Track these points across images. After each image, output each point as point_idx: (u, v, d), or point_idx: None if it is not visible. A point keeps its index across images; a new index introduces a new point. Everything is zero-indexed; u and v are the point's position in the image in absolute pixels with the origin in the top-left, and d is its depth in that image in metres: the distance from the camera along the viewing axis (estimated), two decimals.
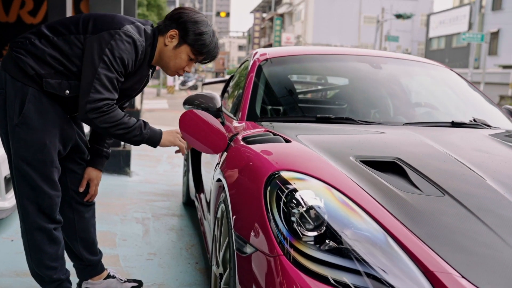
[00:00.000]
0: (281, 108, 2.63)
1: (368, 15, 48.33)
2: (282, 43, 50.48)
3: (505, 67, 23.08)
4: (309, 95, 3.39)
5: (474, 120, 2.51)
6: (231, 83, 3.64)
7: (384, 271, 1.24)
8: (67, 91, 1.95)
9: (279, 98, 2.71)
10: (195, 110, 2.02)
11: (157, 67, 2.24)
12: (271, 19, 60.22)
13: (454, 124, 2.40)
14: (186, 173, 4.29)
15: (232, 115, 2.74)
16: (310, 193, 1.42)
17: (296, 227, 1.36)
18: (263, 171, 1.54)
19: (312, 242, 1.33)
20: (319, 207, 1.38)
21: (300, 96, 3.17)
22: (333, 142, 1.92)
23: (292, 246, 1.33)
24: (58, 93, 1.95)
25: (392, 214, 1.39)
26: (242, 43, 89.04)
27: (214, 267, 1.97)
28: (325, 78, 3.48)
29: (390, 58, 3.00)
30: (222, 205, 1.86)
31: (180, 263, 2.99)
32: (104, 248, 2.68)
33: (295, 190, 1.43)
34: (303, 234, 1.35)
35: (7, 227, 3.43)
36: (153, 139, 2.04)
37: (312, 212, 1.37)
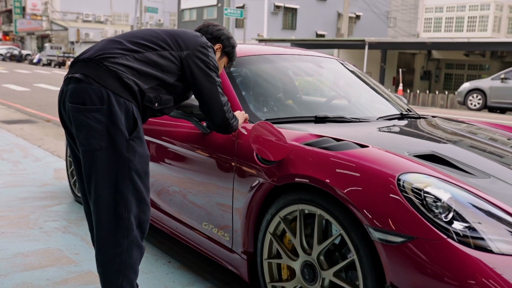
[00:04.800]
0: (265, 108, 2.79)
1: None
2: (26, 10, 45.28)
3: (260, 40, 25.77)
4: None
5: (409, 110, 3.21)
6: None
7: None
8: (157, 104, 2.08)
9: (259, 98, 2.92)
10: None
11: None
12: None
13: (403, 116, 3.03)
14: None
15: None
16: (438, 190, 1.82)
17: (440, 216, 1.77)
18: (388, 174, 1.85)
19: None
20: (450, 199, 1.80)
21: (275, 95, 3.30)
22: (380, 142, 2.31)
23: (446, 229, 1.73)
24: (151, 106, 2.06)
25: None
26: None
27: (302, 257, 2.10)
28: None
29: (315, 57, 3.41)
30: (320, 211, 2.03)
31: (157, 269, 2.99)
32: (69, 266, 2.46)
33: (427, 187, 1.81)
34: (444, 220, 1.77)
35: None
36: (238, 122, 2.35)
37: (445, 204, 1.78)
